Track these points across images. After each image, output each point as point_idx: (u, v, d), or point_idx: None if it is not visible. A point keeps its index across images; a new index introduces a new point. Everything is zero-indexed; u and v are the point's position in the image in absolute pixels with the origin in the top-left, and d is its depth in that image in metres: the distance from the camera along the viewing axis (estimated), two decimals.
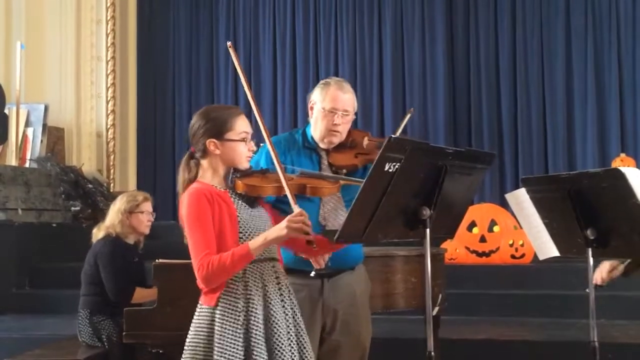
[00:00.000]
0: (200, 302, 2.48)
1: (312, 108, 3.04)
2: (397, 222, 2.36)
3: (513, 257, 5.85)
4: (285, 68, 8.08)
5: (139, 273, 4.25)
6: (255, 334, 2.39)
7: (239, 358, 2.36)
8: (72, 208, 6.91)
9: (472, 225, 5.90)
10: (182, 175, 2.54)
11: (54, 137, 7.49)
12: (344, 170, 2.96)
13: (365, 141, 3.00)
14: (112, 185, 7.75)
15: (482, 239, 5.87)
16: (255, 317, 2.41)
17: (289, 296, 2.54)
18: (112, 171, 7.87)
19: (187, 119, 7.47)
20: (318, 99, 3.00)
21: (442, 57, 7.73)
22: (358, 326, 3.02)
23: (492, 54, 7.68)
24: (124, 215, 4.19)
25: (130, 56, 8.28)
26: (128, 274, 4.15)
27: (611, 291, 4.38)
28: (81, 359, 3.91)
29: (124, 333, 3.72)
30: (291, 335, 2.48)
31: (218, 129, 2.50)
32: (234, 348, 2.37)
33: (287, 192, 2.47)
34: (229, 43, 2.80)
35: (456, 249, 5.84)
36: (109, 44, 7.88)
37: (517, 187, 4.74)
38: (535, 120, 7.51)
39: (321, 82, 3.08)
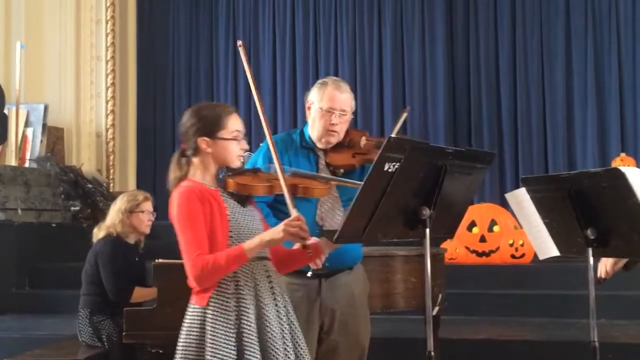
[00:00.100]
0: (191, 301, 2.46)
1: (309, 108, 3.03)
2: (397, 222, 2.35)
3: (513, 257, 5.84)
4: (285, 68, 8.08)
5: (139, 273, 4.25)
6: (248, 334, 2.37)
7: (232, 358, 2.35)
8: (72, 208, 6.90)
9: (472, 225, 5.89)
10: (172, 173, 2.51)
11: (54, 137, 7.48)
12: (342, 170, 2.95)
13: (363, 141, 2.99)
14: (111, 185, 7.75)
15: (482, 239, 5.86)
16: (247, 316, 2.39)
17: (281, 295, 2.51)
18: (111, 171, 7.87)
19: None
20: (315, 98, 2.99)
21: (442, 56, 7.72)
22: (356, 326, 3.01)
23: (492, 53, 7.68)
24: (124, 214, 4.19)
25: (130, 56, 8.28)
26: (128, 274, 4.15)
27: (611, 291, 4.41)
28: (81, 359, 3.91)
29: (124, 333, 3.72)
30: (285, 333, 2.46)
31: (210, 128, 2.47)
32: (226, 348, 2.35)
33: (286, 195, 2.45)
34: (239, 42, 2.79)
35: (456, 249, 5.83)
36: (108, 44, 7.88)
37: (517, 186, 4.74)
38: (535, 120, 7.50)
39: (318, 81, 3.06)
